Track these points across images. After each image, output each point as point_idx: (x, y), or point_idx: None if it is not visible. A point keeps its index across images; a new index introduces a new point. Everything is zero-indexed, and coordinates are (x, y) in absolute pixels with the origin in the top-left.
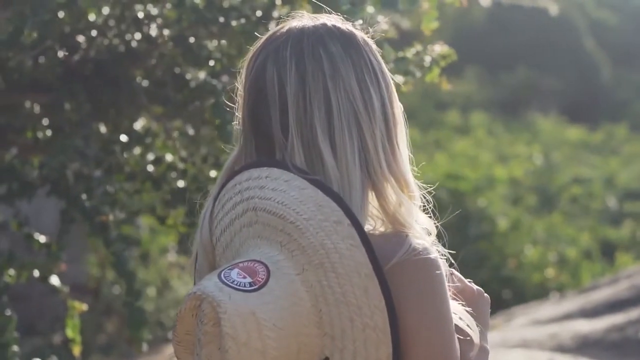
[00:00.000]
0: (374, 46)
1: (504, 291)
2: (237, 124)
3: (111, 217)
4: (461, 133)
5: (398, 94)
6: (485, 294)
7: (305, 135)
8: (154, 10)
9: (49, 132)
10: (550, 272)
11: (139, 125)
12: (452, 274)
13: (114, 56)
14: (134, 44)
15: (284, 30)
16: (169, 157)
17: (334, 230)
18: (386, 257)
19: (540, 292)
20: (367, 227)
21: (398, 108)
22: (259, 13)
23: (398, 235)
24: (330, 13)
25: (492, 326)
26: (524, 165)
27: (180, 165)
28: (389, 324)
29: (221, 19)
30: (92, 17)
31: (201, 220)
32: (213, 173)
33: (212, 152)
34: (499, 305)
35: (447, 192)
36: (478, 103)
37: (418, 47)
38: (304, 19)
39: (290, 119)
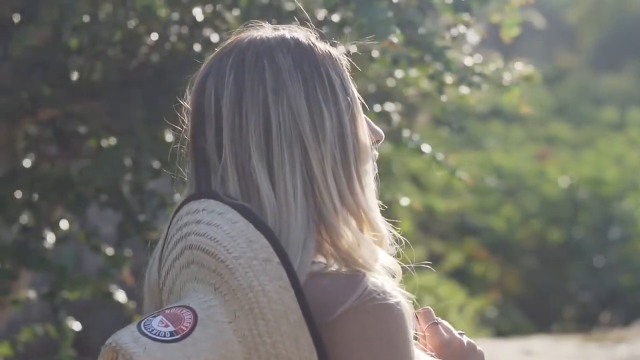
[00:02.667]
0: (343, 62)
1: None
2: (184, 150)
3: None
4: (616, 130)
5: (467, 106)
6: (479, 348)
7: (240, 157)
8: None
9: (113, 141)
10: None
11: None
12: (438, 323)
13: (175, 62)
14: (197, 47)
15: (234, 41)
16: None
17: (262, 269)
18: (336, 301)
19: None
20: (318, 266)
21: (364, 133)
22: (320, 16)
23: (352, 276)
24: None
25: (624, 338)
26: None
27: None
28: None
29: (274, 22)
30: (161, 13)
31: (151, 262)
32: None
33: None
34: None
35: (590, 195)
36: (637, 99)
37: (498, 62)
38: (263, 30)
39: (224, 139)
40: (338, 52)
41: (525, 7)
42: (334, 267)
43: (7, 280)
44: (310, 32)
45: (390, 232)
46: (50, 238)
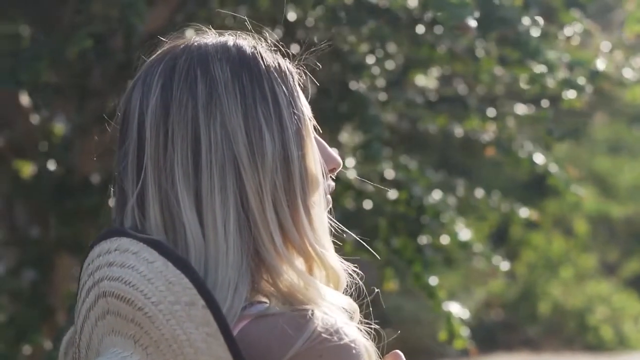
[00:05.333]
0: (295, 77)
1: None
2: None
3: None
4: None
5: (570, 111)
6: None
7: (163, 185)
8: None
9: None
10: None
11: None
12: None
13: None
14: (294, 49)
15: (170, 47)
16: None
17: (186, 315)
18: (283, 345)
19: None
20: (259, 307)
21: (314, 159)
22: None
23: (299, 315)
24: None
25: None
26: None
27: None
28: None
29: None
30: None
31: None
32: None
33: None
34: None
35: None
36: None
37: (617, 59)
38: (204, 36)
39: (146, 161)
40: (290, 65)
41: None
42: (278, 307)
43: None
44: (260, 39)
45: (347, 270)
46: None
